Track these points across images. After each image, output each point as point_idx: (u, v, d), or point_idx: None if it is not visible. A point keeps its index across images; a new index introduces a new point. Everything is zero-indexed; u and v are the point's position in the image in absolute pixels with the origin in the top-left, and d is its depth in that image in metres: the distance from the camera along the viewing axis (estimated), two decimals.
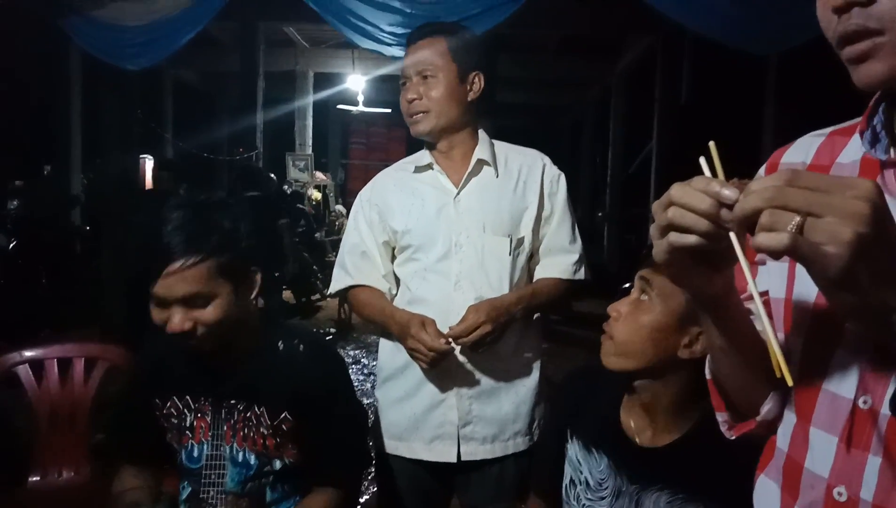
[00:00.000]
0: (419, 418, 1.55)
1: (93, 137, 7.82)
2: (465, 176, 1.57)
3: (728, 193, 0.56)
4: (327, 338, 5.96)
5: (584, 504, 1.21)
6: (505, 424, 1.55)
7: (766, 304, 0.73)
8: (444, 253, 1.54)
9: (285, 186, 9.77)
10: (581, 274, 1.62)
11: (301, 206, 8.96)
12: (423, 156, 1.63)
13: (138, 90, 6.38)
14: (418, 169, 1.62)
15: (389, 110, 11.25)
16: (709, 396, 0.81)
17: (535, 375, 1.60)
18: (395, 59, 3.54)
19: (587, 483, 1.21)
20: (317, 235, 8.74)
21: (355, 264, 1.64)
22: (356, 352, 5.51)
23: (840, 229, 0.49)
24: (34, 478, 2.01)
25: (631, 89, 9.89)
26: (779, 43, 3.00)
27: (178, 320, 1.17)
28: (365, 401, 4.36)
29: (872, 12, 0.58)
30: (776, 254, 0.52)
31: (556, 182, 1.62)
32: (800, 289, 0.70)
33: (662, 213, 0.60)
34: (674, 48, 7.86)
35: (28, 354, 2.09)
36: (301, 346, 1.31)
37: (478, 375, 1.53)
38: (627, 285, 5.48)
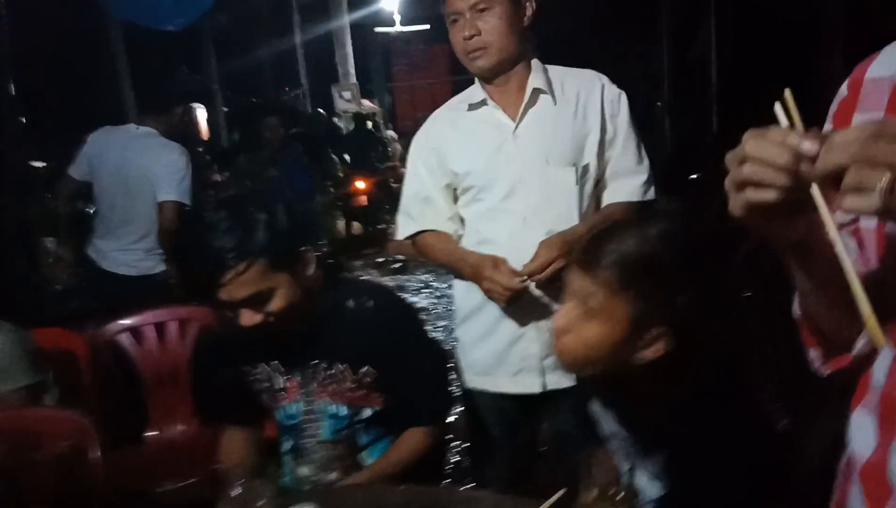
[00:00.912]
0: (502, 353, 1.56)
1: (142, 96, 7.98)
2: (522, 108, 1.53)
3: (809, 145, 0.53)
4: (396, 265, 6.09)
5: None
6: None
7: (857, 234, 0.69)
8: (508, 191, 1.52)
9: (334, 119, 9.78)
10: (651, 194, 1.58)
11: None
12: (476, 91, 1.57)
13: (179, 44, 6.41)
14: (472, 106, 1.57)
15: (428, 27, 10.91)
16: None
17: None
18: None
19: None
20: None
21: (419, 209, 1.64)
22: (426, 276, 5.63)
23: None
24: (152, 433, 2.20)
25: None
26: None
27: (247, 318, 1.23)
28: (439, 324, 4.50)
29: None
30: (867, 215, 0.49)
31: (618, 102, 1.55)
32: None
33: (738, 167, 0.57)
34: None
35: (126, 322, 2.25)
36: (371, 302, 1.36)
37: (555, 306, 1.53)
38: (694, 175, 5.25)
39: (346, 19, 9.74)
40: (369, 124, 9.76)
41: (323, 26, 9.68)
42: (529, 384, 1.57)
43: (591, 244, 0.98)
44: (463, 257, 1.55)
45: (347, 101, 10.15)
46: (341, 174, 6.90)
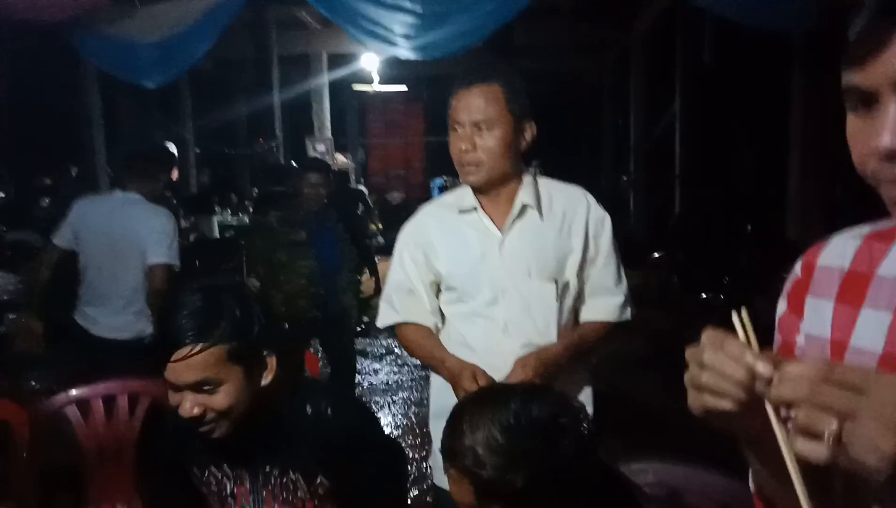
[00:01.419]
0: None
1: (115, 134, 7.92)
2: (510, 221, 1.56)
3: (762, 369, 0.57)
4: (359, 328, 6.01)
5: None
6: None
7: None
8: (491, 299, 1.55)
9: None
10: (627, 314, 1.62)
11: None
12: (467, 197, 1.61)
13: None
14: (462, 211, 1.61)
15: (405, 88, 11.14)
16: None
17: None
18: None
19: None
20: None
21: (402, 301, 1.66)
22: (389, 341, 5.58)
23: (880, 441, 0.49)
24: None
25: (651, 51, 9.63)
26: (802, 22, 2.87)
27: (187, 405, 1.19)
28: (400, 395, 4.43)
29: None
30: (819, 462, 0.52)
31: (601, 223, 1.60)
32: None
33: (697, 371, 0.60)
34: (694, 7, 7.62)
35: (75, 393, 2.16)
36: (329, 409, 1.33)
37: None
38: (656, 255, 5.41)
39: (325, 76, 9.89)
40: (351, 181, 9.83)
41: (302, 81, 9.79)
42: None
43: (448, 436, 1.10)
44: (443, 360, 1.55)
45: (321, 153, 10.20)
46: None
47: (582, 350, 1.57)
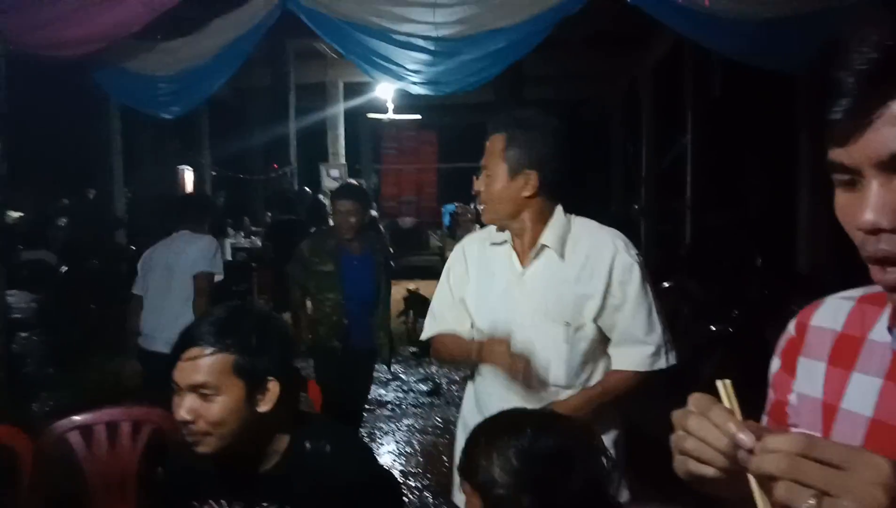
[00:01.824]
0: None
1: (133, 158, 8.09)
2: (530, 259, 1.61)
3: (744, 438, 0.57)
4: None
5: None
6: None
7: None
8: (504, 334, 1.58)
9: (320, 196, 9.93)
10: (662, 363, 1.59)
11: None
12: (502, 233, 1.69)
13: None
14: (494, 244, 1.70)
15: (419, 116, 11.28)
16: None
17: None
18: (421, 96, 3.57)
19: None
20: None
21: (443, 314, 1.75)
22: (396, 367, 5.59)
23: None
24: None
25: (661, 81, 9.70)
26: (806, 61, 2.90)
27: (183, 408, 1.22)
28: (405, 423, 4.42)
29: None
30: None
31: (629, 271, 1.57)
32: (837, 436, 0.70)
33: (682, 437, 0.62)
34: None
35: (78, 419, 2.20)
36: (328, 447, 1.35)
37: None
38: (666, 284, 5.34)
39: (341, 104, 10.05)
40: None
41: (318, 109, 9.96)
42: None
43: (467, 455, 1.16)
44: (471, 344, 1.63)
45: (335, 179, 10.33)
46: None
47: (606, 400, 1.58)
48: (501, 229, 1.66)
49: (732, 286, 5.96)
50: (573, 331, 1.56)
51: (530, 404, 1.52)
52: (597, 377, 1.61)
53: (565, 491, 1.05)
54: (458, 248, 1.79)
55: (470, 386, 1.76)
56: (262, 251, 9.01)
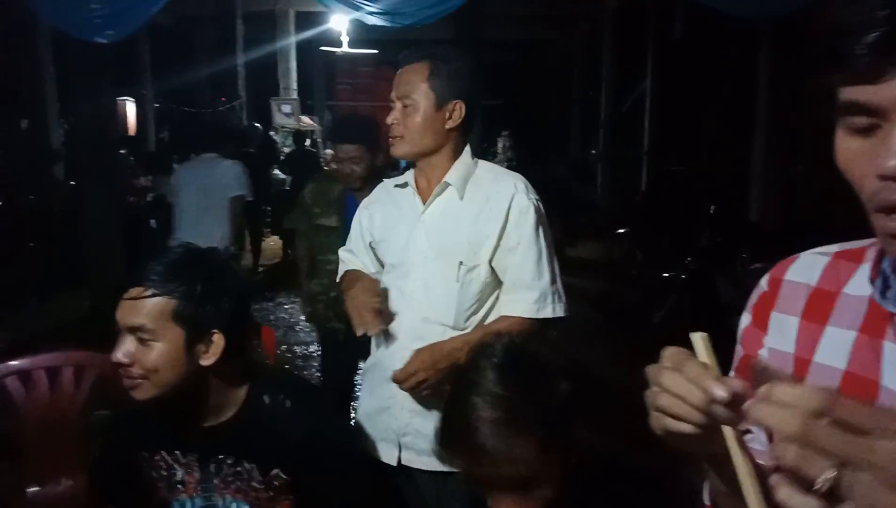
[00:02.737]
0: (372, 416, 1.66)
1: (67, 87, 7.59)
2: (432, 196, 1.60)
3: (719, 392, 0.54)
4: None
5: None
6: None
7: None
8: (405, 272, 1.60)
9: (271, 133, 9.58)
10: (547, 312, 1.57)
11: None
12: (407, 174, 1.69)
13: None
14: (397, 186, 1.69)
15: (376, 51, 10.88)
16: None
17: None
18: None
19: None
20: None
21: (349, 255, 1.79)
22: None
23: (883, 499, 0.41)
24: (33, 489, 2.03)
25: (622, 25, 9.58)
26: (773, 10, 2.86)
27: (120, 350, 1.17)
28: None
29: None
30: None
31: (525, 212, 1.56)
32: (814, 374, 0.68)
33: (657, 393, 0.59)
34: None
35: (15, 364, 2.07)
36: (287, 402, 1.29)
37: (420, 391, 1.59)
38: (621, 230, 5.42)
39: (292, 36, 9.60)
40: (308, 142, 9.62)
41: (268, 40, 9.50)
42: (387, 455, 1.63)
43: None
44: (350, 283, 1.64)
45: (287, 115, 9.97)
46: None
47: None
48: (410, 164, 1.66)
49: (685, 235, 6.07)
50: (465, 271, 1.56)
51: (417, 343, 1.55)
52: (489, 320, 1.62)
53: (554, 395, 1.00)
54: (367, 197, 1.80)
55: None
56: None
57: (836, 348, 0.67)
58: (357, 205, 1.83)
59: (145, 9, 3.46)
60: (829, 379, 0.66)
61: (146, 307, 1.16)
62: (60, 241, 6.48)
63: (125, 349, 1.17)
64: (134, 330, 1.17)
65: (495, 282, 1.60)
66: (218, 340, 1.21)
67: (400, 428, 1.60)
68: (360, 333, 1.51)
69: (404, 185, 1.67)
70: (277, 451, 1.26)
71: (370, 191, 1.80)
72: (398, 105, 1.57)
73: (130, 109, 11.12)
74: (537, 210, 1.58)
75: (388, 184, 1.76)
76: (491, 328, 1.58)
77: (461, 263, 1.55)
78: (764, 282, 0.78)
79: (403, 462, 1.61)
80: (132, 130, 11.39)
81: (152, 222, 6.66)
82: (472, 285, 1.56)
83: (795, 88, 5.02)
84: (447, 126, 1.57)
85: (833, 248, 0.73)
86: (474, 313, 1.59)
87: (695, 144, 8.37)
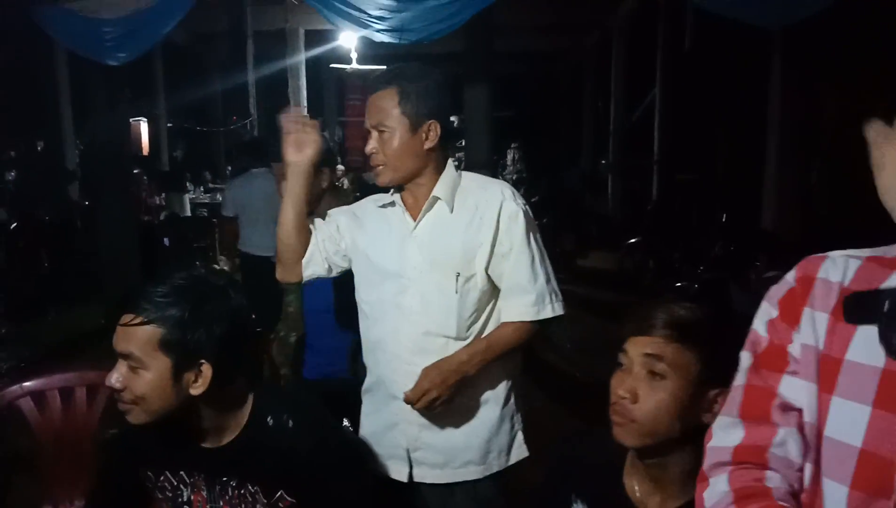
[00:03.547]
0: (379, 435, 1.66)
1: (83, 107, 7.69)
2: (422, 211, 1.60)
3: None
4: None
5: None
6: (455, 453, 1.61)
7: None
8: (402, 288, 1.59)
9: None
10: (546, 312, 1.58)
11: None
12: (391, 193, 1.67)
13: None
14: (383, 205, 1.67)
15: (385, 67, 10.94)
16: None
17: (492, 407, 1.63)
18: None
19: None
20: None
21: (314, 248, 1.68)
22: None
23: None
24: None
25: (632, 35, 9.58)
26: (785, 16, 2.85)
27: (113, 376, 1.17)
28: None
29: None
30: None
31: (515, 218, 1.57)
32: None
33: None
34: None
35: (29, 385, 2.08)
36: (290, 420, 1.28)
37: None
38: (633, 240, 5.38)
39: (302, 53, 9.69)
40: None
41: (278, 58, 9.58)
42: (397, 472, 1.63)
43: (647, 314, 1.12)
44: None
45: None
46: None
47: (491, 356, 1.57)
48: (398, 189, 1.64)
49: (697, 244, 6.02)
50: (463, 281, 1.56)
51: (419, 357, 1.55)
52: (489, 329, 1.62)
53: None
54: (345, 208, 1.76)
55: None
56: (223, 206, 8.75)
57: (872, 346, 0.67)
58: None
59: (155, 31, 3.50)
60: (865, 377, 0.67)
61: (135, 336, 1.16)
62: (75, 258, 6.58)
63: (118, 374, 1.18)
64: (125, 357, 1.17)
65: (492, 290, 1.61)
66: (206, 370, 1.19)
67: (410, 444, 1.60)
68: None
69: (391, 204, 1.66)
70: (281, 472, 1.25)
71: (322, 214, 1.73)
72: (374, 134, 1.57)
73: (144, 128, 11.27)
74: (526, 214, 1.59)
75: (371, 202, 1.74)
76: (494, 335, 1.60)
77: (458, 274, 1.56)
78: (791, 277, 0.78)
79: (416, 479, 1.61)
80: (146, 150, 11.54)
81: (165, 240, 6.72)
82: (471, 294, 1.57)
83: (810, 94, 4.99)
84: (426, 147, 1.57)
85: (865, 252, 0.74)
86: (474, 321, 1.59)
87: (706, 153, 8.33)
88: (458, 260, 1.57)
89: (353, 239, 1.68)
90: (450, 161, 1.64)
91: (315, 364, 2.33)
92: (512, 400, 1.67)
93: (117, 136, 6.54)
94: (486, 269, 1.57)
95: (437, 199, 1.59)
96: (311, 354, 2.35)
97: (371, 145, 1.57)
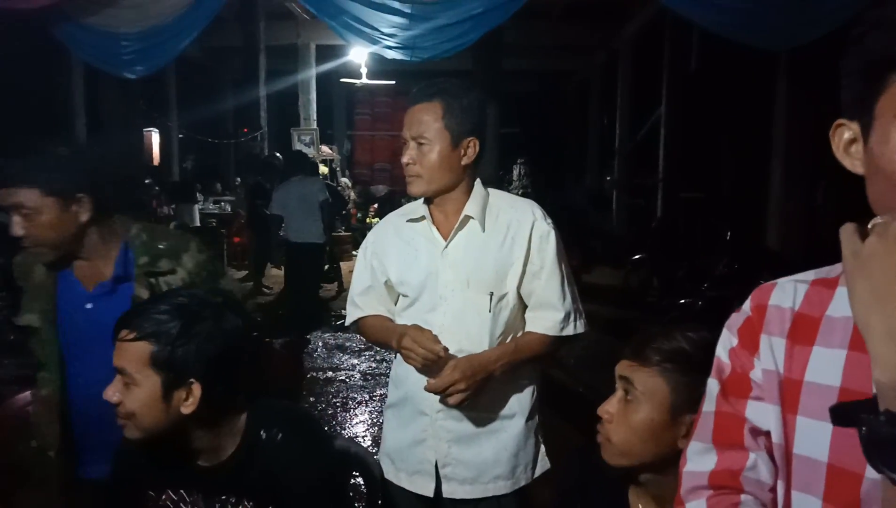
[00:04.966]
0: (405, 451, 1.65)
1: (96, 118, 7.81)
2: (454, 230, 1.60)
3: None
4: (338, 322, 6.00)
5: None
6: (485, 467, 1.61)
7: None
8: (432, 306, 1.59)
9: None
10: (570, 330, 1.61)
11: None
12: (419, 208, 1.67)
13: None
14: (412, 220, 1.67)
15: (394, 82, 11.08)
16: None
17: (519, 421, 1.64)
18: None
19: None
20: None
21: (364, 299, 1.72)
22: None
23: None
24: None
25: (638, 55, 9.67)
26: (790, 40, 2.89)
27: (110, 390, 1.19)
28: (377, 394, 4.39)
29: None
30: None
31: (546, 238, 1.60)
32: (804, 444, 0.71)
33: None
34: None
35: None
36: (280, 434, 1.29)
37: (457, 420, 1.59)
38: (637, 257, 5.40)
39: (313, 68, 9.82)
40: (325, 170, 9.77)
41: (289, 72, 9.72)
42: (425, 487, 1.63)
43: (641, 343, 1.15)
44: (395, 327, 1.61)
45: (306, 145, 10.14)
46: None
47: (518, 359, 1.59)
48: (427, 201, 1.64)
49: (702, 261, 6.04)
50: (497, 300, 1.58)
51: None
52: None
53: None
54: (371, 234, 1.76)
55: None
56: (232, 217, 8.84)
57: (827, 367, 0.70)
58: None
59: (174, 46, 3.58)
60: (824, 396, 0.69)
61: (128, 351, 1.18)
62: None
63: (114, 388, 1.19)
64: (120, 372, 1.19)
65: (521, 307, 1.63)
66: (196, 390, 1.20)
67: (440, 459, 1.61)
68: (420, 365, 1.49)
69: (419, 219, 1.65)
70: (272, 488, 1.26)
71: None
72: (412, 144, 1.57)
73: (155, 139, 11.39)
74: (556, 235, 1.62)
75: (396, 218, 1.73)
76: (522, 341, 1.62)
77: (492, 293, 1.57)
78: (747, 306, 0.81)
79: (445, 495, 1.61)
80: (157, 160, 11.66)
81: None
82: (503, 313, 1.59)
83: (814, 114, 5.03)
84: (462, 162, 1.58)
85: (810, 275, 0.78)
86: (504, 339, 1.61)
87: (711, 172, 8.37)
88: (492, 279, 1.57)
89: (385, 272, 1.68)
90: (478, 179, 1.65)
91: None
92: (536, 413, 1.68)
93: (130, 145, 6.66)
94: (518, 288, 1.59)
95: (469, 218, 1.60)
96: None
97: (409, 156, 1.58)
